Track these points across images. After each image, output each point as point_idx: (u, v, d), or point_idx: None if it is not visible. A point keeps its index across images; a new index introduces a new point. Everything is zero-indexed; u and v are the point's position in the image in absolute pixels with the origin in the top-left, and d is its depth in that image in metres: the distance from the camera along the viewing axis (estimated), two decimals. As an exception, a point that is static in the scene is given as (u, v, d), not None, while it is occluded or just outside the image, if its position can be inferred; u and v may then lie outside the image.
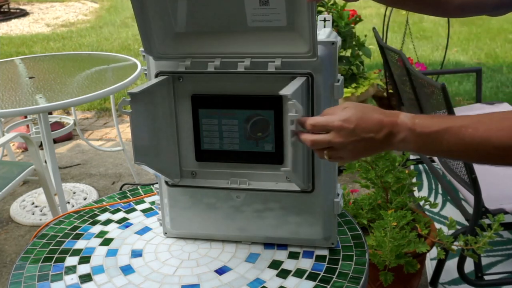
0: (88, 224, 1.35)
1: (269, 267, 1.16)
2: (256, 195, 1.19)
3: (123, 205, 1.43)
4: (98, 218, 1.37)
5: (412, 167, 3.07)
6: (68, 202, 3.00)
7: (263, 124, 1.13)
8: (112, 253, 1.23)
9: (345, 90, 3.20)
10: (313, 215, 1.18)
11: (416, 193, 2.83)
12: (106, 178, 3.37)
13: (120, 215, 1.39)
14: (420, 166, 3.15)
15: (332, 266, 1.16)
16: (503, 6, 1.06)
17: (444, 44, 4.58)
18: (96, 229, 1.32)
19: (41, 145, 2.88)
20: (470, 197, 1.99)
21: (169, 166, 1.19)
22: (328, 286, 1.09)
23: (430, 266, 2.29)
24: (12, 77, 2.90)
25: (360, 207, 1.97)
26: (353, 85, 3.29)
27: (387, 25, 3.63)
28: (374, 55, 4.25)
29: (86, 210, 1.41)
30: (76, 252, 1.23)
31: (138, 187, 1.51)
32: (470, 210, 2.03)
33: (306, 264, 1.17)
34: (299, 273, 1.14)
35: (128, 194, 1.48)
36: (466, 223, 2.14)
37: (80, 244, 1.26)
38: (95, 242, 1.27)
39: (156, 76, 1.12)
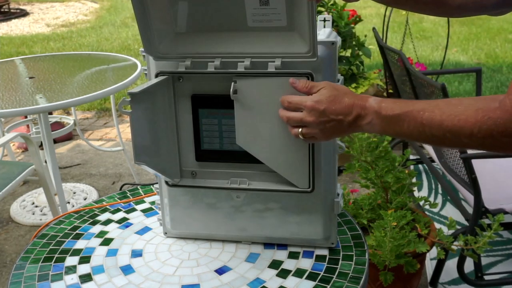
0: (88, 224, 1.35)
1: (269, 267, 1.16)
2: (256, 195, 1.19)
3: (123, 205, 1.43)
4: (98, 218, 1.37)
5: (412, 167, 3.07)
6: (68, 202, 3.00)
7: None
8: (112, 253, 1.23)
9: (345, 90, 3.19)
10: (313, 215, 1.18)
11: (416, 193, 2.83)
12: (106, 178, 3.37)
13: (120, 215, 1.39)
14: (420, 166, 3.15)
15: (332, 266, 1.16)
16: (503, 5, 1.06)
17: (444, 44, 4.58)
18: (96, 229, 1.32)
19: (41, 145, 2.88)
20: (470, 197, 1.99)
21: (169, 166, 1.19)
22: (328, 286, 1.10)
23: (430, 266, 2.29)
24: (12, 77, 2.90)
25: (360, 207, 1.97)
26: (353, 85, 3.29)
27: (387, 25, 3.63)
28: (374, 55, 4.26)
29: (86, 210, 1.41)
30: (76, 252, 1.23)
31: (138, 187, 1.51)
32: (470, 210, 2.03)
33: (306, 264, 1.17)
34: (299, 273, 1.14)
35: (128, 194, 1.48)
36: (466, 223, 2.14)
37: (80, 244, 1.26)
38: (95, 242, 1.27)
39: (156, 76, 1.12)
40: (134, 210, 1.41)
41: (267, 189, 1.17)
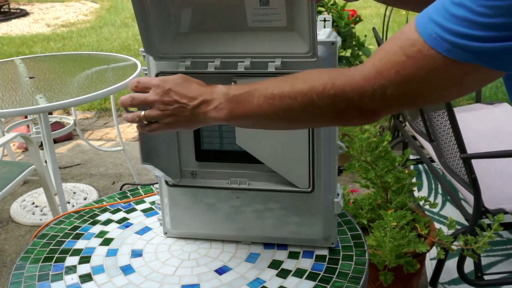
0: (88, 224, 1.35)
1: (269, 267, 1.16)
2: (256, 195, 1.19)
3: (123, 205, 1.43)
4: (98, 218, 1.37)
5: (412, 167, 3.07)
6: (68, 202, 3.00)
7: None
8: (112, 253, 1.23)
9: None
10: (313, 215, 1.18)
11: (416, 193, 2.83)
12: (106, 178, 3.37)
13: (120, 215, 1.39)
14: (420, 166, 3.15)
15: (332, 266, 1.16)
16: None
17: (444, 44, 4.56)
18: (96, 229, 1.32)
19: (41, 145, 2.88)
20: (470, 197, 1.99)
21: (170, 166, 1.19)
22: (328, 286, 1.10)
23: (430, 266, 2.29)
24: (12, 77, 2.90)
25: (360, 207, 1.98)
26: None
27: (387, 25, 3.63)
28: (374, 55, 4.24)
29: (86, 210, 1.41)
30: (76, 252, 1.23)
31: (138, 187, 1.51)
32: (470, 210, 2.03)
33: (306, 264, 1.17)
34: (299, 273, 1.14)
35: (128, 194, 1.48)
36: (466, 223, 2.14)
37: (80, 244, 1.26)
38: (95, 242, 1.27)
39: (156, 76, 1.12)
40: (134, 210, 1.41)
41: (267, 189, 1.17)
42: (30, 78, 2.78)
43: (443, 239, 1.88)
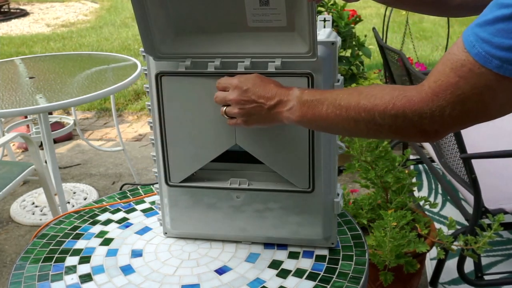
0: (88, 224, 1.35)
1: (269, 267, 1.16)
2: (256, 195, 1.19)
3: (123, 205, 1.43)
4: (98, 218, 1.37)
5: (412, 167, 3.07)
6: (68, 202, 3.00)
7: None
8: (112, 253, 1.23)
9: (345, 90, 3.19)
10: (313, 215, 1.18)
11: (416, 193, 2.83)
12: (106, 178, 3.37)
13: (120, 215, 1.39)
14: (420, 166, 3.15)
15: (332, 266, 1.16)
16: None
17: (444, 44, 4.58)
18: (96, 229, 1.32)
19: (41, 145, 2.88)
20: (470, 197, 1.99)
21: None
22: (328, 286, 1.10)
23: (430, 266, 2.29)
24: (12, 77, 2.90)
25: (360, 207, 1.97)
26: (353, 85, 3.29)
27: (387, 25, 3.63)
28: (374, 55, 4.25)
29: (86, 210, 1.41)
30: (76, 252, 1.23)
31: (138, 187, 1.51)
32: (470, 210, 2.03)
33: (306, 264, 1.17)
34: (299, 273, 1.14)
35: (128, 194, 1.48)
36: (466, 223, 2.14)
37: (80, 244, 1.26)
38: (95, 242, 1.27)
39: (156, 76, 1.12)
40: (134, 210, 1.41)
41: (267, 189, 1.17)
42: (30, 78, 2.78)
43: (443, 239, 1.88)
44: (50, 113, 3.70)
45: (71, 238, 1.29)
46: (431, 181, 3.03)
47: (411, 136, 0.86)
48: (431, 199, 2.85)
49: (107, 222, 1.35)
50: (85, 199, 3.09)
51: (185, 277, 1.14)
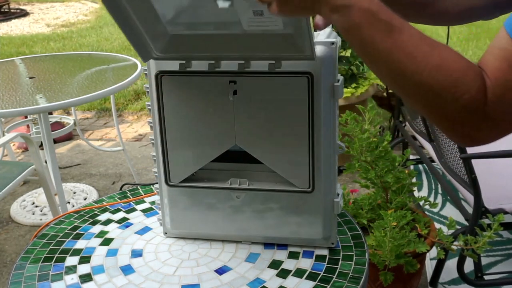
0: (88, 224, 1.35)
1: (269, 267, 1.16)
2: (256, 195, 1.19)
3: (123, 205, 1.43)
4: (98, 218, 1.37)
5: (412, 167, 3.07)
6: (68, 202, 3.00)
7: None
8: (112, 253, 1.23)
9: (345, 90, 3.20)
10: (313, 215, 1.18)
11: (416, 193, 2.83)
12: (106, 178, 3.37)
13: (120, 215, 1.39)
14: (420, 166, 3.15)
15: (332, 266, 1.16)
16: (496, 10, 1.06)
17: (444, 43, 4.56)
18: (96, 229, 1.32)
19: (41, 145, 2.88)
20: (470, 197, 1.99)
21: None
22: (328, 286, 1.10)
23: (430, 266, 2.29)
24: (13, 77, 2.90)
25: (360, 207, 1.98)
26: (353, 85, 3.29)
27: (387, 25, 3.62)
28: (374, 55, 4.24)
29: (86, 210, 1.41)
30: (76, 252, 1.23)
31: (138, 187, 1.51)
32: (470, 210, 2.03)
33: (306, 264, 1.17)
34: (299, 273, 1.14)
35: (128, 194, 1.48)
36: (466, 223, 2.14)
37: (80, 244, 1.26)
38: (95, 242, 1.27)
39: (156, 76, 1.12)
40: (134, 210, 1.41)
41: (267, 189, 1.17)
42: (30, 78, 2.78)
43: (443, 239, 1.88)
44: (50, 113, 3.70)
45: (71, 238, 1.29)
46: (431, 181, 3.03)
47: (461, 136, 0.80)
48: (431, 199, 2.85)
49: (107, 222, 1.36)
50: (85, 199, 3.09)
51: (185, 277, 1.14)
